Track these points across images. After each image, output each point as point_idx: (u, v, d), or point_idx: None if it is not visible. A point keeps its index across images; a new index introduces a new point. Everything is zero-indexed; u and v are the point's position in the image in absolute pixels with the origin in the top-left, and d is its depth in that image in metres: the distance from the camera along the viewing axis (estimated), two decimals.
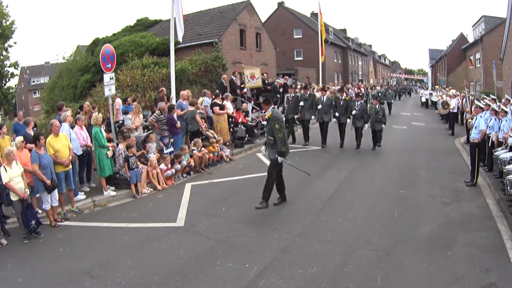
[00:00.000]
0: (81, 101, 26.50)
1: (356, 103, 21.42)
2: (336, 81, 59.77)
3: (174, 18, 18.96)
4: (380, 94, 40.72)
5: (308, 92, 23.03)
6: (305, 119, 22.16)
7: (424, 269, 8.09)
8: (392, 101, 43.56)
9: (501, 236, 9.82)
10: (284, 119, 13.64)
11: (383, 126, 20.84)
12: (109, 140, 14.93)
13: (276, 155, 11.81)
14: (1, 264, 8.93)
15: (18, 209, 10.21)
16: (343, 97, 22.02)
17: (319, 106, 21.79)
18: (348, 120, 21.64)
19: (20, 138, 12.16)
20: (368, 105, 23.94)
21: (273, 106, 12.36)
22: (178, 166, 15.61)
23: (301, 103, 22.06)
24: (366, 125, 21.03)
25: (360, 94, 25.58)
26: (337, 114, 21.56)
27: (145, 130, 18.55)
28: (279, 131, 11.58)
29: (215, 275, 8.03)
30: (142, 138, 16.09)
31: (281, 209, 11.87)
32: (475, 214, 11.45)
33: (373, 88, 50.41)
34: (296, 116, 22.70)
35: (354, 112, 21.17)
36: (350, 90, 40.02)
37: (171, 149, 16.46)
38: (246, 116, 23.16)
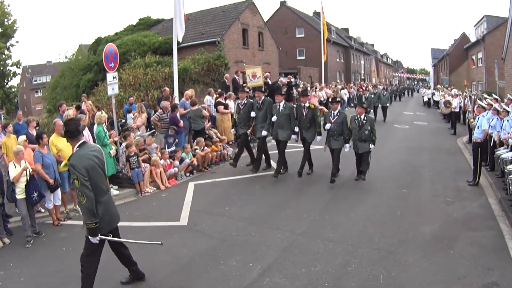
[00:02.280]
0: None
1: (332, 113, 15.07)
2: (338, 80, 59.65)
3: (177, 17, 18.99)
4: (369, 97, 32.64)
5: (262, 97, 16.18)
6: (259, 136, 16.02)
7: (426, 268, 8.13)
8: (387, 104, 35.50)
9: (503, 236, 9.85)
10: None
11: (371, 146, 14.63)
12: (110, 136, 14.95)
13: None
14: (3, 263, 8.97)
15: (23, 207, 10.24)
16: (307, 105, 15.51)
17: (274, 118, 15.46)
18: (318, 137, 15.54)
19: (23, 138, 12.21)
20: (351, 116, 15.33)
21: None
22: (178, 163, 15.65)
23: (253, 113, 16.06)
24: (346, 145, 14.94)
25: (338, 100, 17.10)
26: (296, 129, 15.48)
27: (147, 130, 18.56)
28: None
29: (218, 274, 8.07)
30: (145, 137, 16.12)
31: (284, 208, 11.92)
32: (477, 214, 11.49)
33: (366, 89, 42.66)
34: (249, 131, 16.48)
35: (328, 126, 14.86)
36: (352, 89, 40.08)
37: (173, 148, 16.47)
38: None
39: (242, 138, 16.94)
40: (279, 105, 15.61)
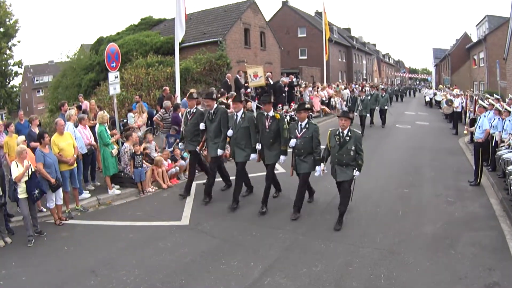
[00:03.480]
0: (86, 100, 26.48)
1: (299, 124, 11.36)
2: (340, 80, 59.64)
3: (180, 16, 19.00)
4: (365, 99, 27.39)
5: (215, 106, 12.93)
6: (214, 156, 12.84)
7: (428, 268, 8.14)
8: (386, 107, 30.56)
9: (504, 236, 9.86)
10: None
11: (356, 173, 10.52)
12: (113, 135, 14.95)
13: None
14: (5, 263, 8.98)
15: (24, 207, 10.25)
16: (270, 114, 11.97)
17: (229, 132, 12.30)
18: (281, 158, 11.98)
19: (22, 138, 12.22)
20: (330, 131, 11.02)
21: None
22: (182, 162, 15.64)
23: (201, 126, 12.85)
24: (317, 168, 11.11)
25: (307, 106, 12.13)
26: (258, 146, 11.93)
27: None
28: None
29: (220, 274, 8.08)
30: (143, 138, 16.14)
31: (285, 208, 11.88)
32: (479, 214, 11.50)
33: (362, 90, 33.39)
34: (198, 148, 13.47)
35: (293, 142, 11.23)
36: (355, 90, 39.70)
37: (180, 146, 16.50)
38: None
39: (191, 158, 13.89)
40: (237, 116, 12.16)
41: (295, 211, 11.19)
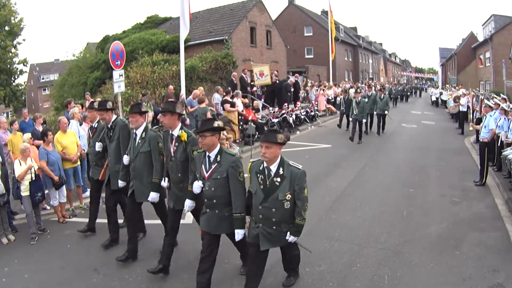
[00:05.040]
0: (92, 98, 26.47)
1: (207, 156, 6.99)
2: (346, 79, 59.61)
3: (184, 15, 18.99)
4: (361, 102, 23.12)
5: (113, 118, 9.49)
6: (117, 187, 9.29)
7: (432, 269, 8.11)
8: (386, 111, 26.26)
9: (509, 237, 9.82)
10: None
11: (290, 238, 6.83)
12: None
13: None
14: (8, 260, 9.00)
15: (28, 204, 10.25)
16: (176, 132, 7.93)
17: (125, 159, 8.78)
18: (187, 204, 7.74)
19: (28, 135, 12.23)
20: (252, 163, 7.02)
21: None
22: None
23: (97, 146, 9.71)
24: (238, 231, 6.91)
25: (216, 125, 6.95)
26: (164, 182, 8.31)
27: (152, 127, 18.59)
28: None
29: (222, 273, 8.05)
30: None
31: None
32: (484, 214, 11.45)
33: (357, 91, 26.06)
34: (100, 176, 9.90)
35: (197, 186, 7.09)
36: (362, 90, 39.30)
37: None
38: (256, 113, 23.14)
39: (92, 190, 10.55)
40: (135, 135, 8.60)
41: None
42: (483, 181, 14.29)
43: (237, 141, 20.25)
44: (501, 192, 13.40)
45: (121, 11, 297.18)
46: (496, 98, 20.54)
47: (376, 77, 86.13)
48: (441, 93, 49.68)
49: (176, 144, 7.90)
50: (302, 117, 27.97)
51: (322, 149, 20.38)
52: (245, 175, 6.92)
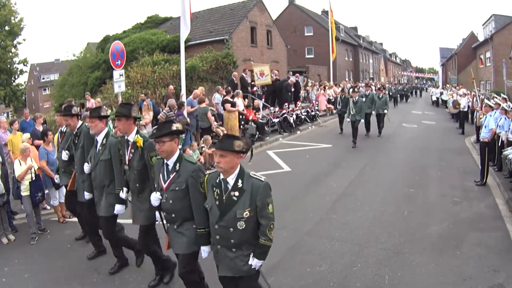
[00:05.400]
0: (92, 98, 26.45)
1: (165, 164, 6.15)
2: (347, 79, 59.61)
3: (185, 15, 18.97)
4: (358, 101, 22.19)
5: (78, 124, 8.82)
6: (82, 201, 8.57)
7: (433, 269, 8.11)
8: (385, 111, 25.46)
9: (509, 237, 9.81)
10: None
11: (254, 263, 5.43)
12: None
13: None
14: (8, 260, 9.01)
15: (28, 204, 10.24)
16: (131, 137, 7.27)
17: (86, 167, 8.16)
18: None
19: (27, 135, 12.24)
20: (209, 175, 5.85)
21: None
22: None
23: (63, 155, 9.13)
24: (204, 248, 5.99)
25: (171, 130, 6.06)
26: (123, 193, 7.51)
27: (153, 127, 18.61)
28: None
29: None
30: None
31: (290, 207, 11.86)
32: (484, 214, 11.44)
33: (355, 90, 24.98)
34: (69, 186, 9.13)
35: (155, 199, 6.19)
36: (361, 88, 39.17)
37: (179, 146, 16.44)
38: (257, 113, 23.15)
39: (66, 195, 9.99)
40: (96, 141, 7.97)
41: None
42: (484, 181, 14.29)
43: None
44: (501, 192, 13.40)
45: (122, 11, 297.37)
46: (496, 98, 20.52)
47: (377, 77, 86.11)
48: (441, 93, 49.68)
49: (132, 150, 7.21)
50: (303, 117, 28.03)
51: (322, 149, 20.39)
52: None
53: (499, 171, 15.38)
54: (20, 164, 10.22)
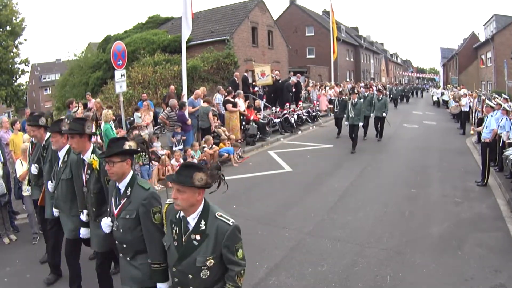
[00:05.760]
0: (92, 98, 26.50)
1: (117, 187, 5.23)
2: (348, 79, 59.61)
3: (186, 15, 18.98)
4: (357, 103, 20.81)
5: (46, 136, 8.10)
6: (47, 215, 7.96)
7: (434, 269, 8.11)
8: (384, 114, 23.82)
9: (510, 237, 9.81)
10: None
11: None
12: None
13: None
14: (10, 260, 9.02)
15: (29, 204, 10.23)
16: (87, 157, 6.44)
17: (49, 185, 7.60)
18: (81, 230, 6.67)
19: (27, 136, 12.27)
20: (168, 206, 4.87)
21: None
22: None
23: (33, 168, 8.56)
24: (160, 286, 4.94)
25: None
26: (83, 216, 6.57)
27: (154, 127, 18.67)
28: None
29: None
30: (151, 135, 16.14)
31: (292, 207, 11.87)
32: (486, 214, 11.44)
33: (354, 91, 25.03)
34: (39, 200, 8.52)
35: (105, 225, 5.42)
36: (362, 89, 39.07)
37: (181, 146, 16.48)
38: (258, 113, 23.17)
39: (37, 211, 9.32)
40: (58, 158, 7.34)
41: None
42: (485, 181, 14.28)
43: (239, 141, 20.25)
44: (502, 192, 13.41)
45: (123, 11, 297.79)
46: (497, 98, 20.52)
47: (378, 77, 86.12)
48: (442, 93, 49.69)
49: (89, 171, 6.40)
50: (304, 117, 28.06)
51: (323, 149, 20.39)
52: None
53: (500, 171, 15.38)
54: (22, 164, 10.21)
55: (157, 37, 36.86)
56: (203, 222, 4.35)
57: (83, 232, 6.64)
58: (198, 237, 4.30)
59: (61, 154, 7.15)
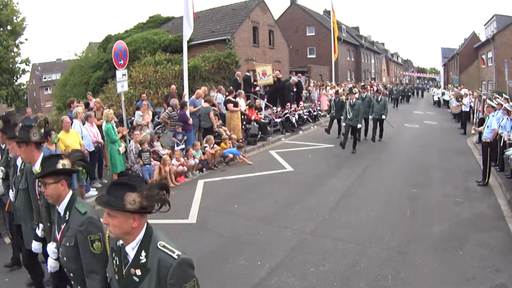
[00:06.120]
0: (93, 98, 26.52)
1: (57, 210, 4.70)
2: (348, 79, 59.60)
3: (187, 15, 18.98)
4: (356, 104, 19.82)
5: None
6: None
7: (435, 269, 8.11)
8: (383, 116, 23.03)
9: (511, 237, 9.82)
10: None
11: None
12: (122, 136, 14.99)
13: None
14: (9, 260, 8.93)
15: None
16: (36, 168, 6.14)
17: (11, 194, 7.37)
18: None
19: None
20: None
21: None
22: (191, 162, 15.62)
23: None
24: None
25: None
26: (39, 230, 5.90)
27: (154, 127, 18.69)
28: None
29: (226, 272, 8.08)
30: (152, 135, 16.17)
31: (293, 207, 11.88)
32: (487, 214, 11.44)
33: (354, 90, 24.30)
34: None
35: (51, 253, 4.94)
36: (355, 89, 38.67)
37: (183, 146, 16.49)
38: (259, 113, 23.17)
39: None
40: (16, 167, 6.95)
41: None
42: (486, 181, 14.27)
43: (240, 140, 20.26)
44: (503, 192, 13.40)
45: (124, 10, 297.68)
46: (498, 98, 20.52)
47: (378, 77, 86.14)
48: (443, 93, 49.65)
49: (39, 184, 5.64)
50: (305, 117, 28.06)
51: (324, 148, 20.39)
52: None
53: (501, 171, 15.38)
54: None
55: (158, 37, 36.91)
56: (143, 254, 3.53)
57: (35, 246, 6.00)
58: (138, 272, 3.50)
59: (19, 161, 6.73)
